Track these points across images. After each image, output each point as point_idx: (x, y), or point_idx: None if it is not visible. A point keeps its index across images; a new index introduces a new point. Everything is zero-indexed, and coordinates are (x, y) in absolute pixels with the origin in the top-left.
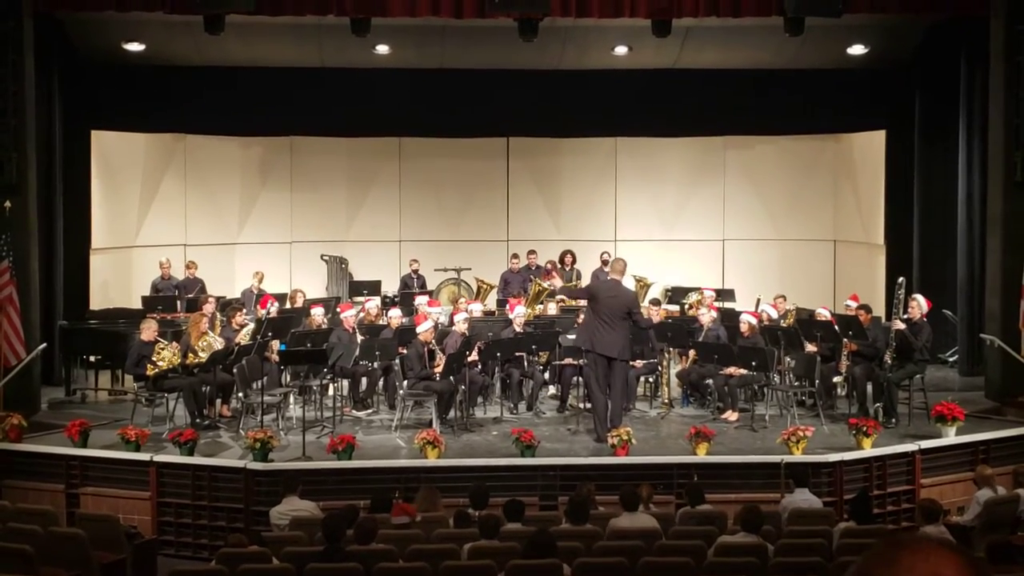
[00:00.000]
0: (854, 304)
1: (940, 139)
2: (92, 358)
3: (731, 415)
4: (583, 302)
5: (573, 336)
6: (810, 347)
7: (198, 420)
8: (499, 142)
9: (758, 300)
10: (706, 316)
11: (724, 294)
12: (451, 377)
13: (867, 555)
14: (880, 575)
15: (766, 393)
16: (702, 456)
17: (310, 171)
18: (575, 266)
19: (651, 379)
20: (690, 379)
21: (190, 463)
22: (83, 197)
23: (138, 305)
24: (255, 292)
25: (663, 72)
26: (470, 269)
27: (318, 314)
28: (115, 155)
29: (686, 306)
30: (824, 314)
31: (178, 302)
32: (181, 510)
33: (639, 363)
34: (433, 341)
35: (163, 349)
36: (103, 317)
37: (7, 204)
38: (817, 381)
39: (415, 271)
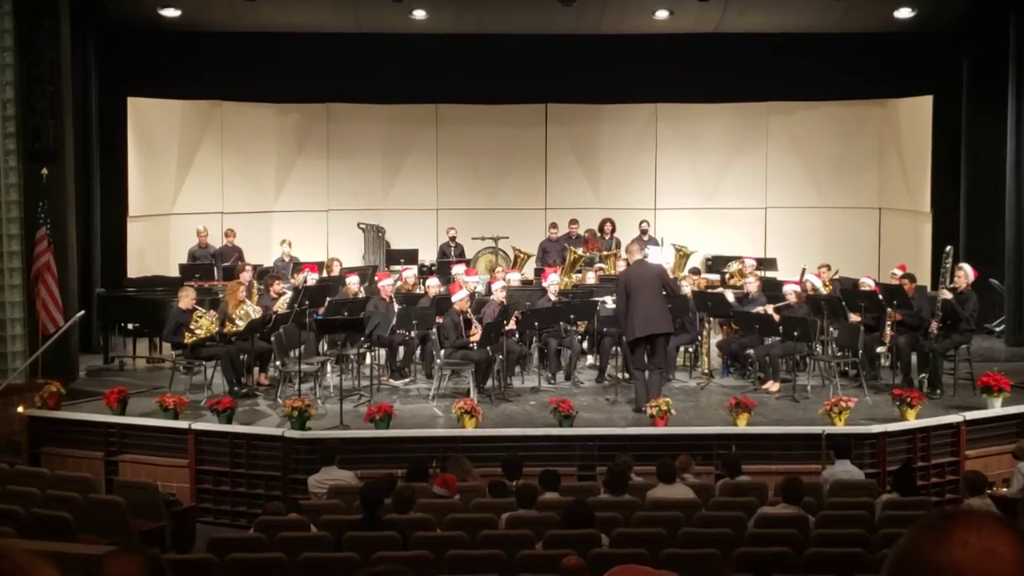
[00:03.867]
0: (900, 273)
1: (988, 105)
2: (130, 326)
3: (772, 385)
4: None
5: (612, 305)
6: (854, 317)
7: (236, 388)
8: (537, 108)
9: (803, 270)
10: (754, 284)
11: (766, 263)
12: (488, 346)
13: (916, 528)
14: (931, 550)
15: (808, 363)
16: (742, 427)
17: (346, 138)
18: (614, 235)
19: (691, 349)
20: (730, 349)
21: (228, 431)
22: (120, 165)
23: (175, 273)
24: (287, 260)
25: (705, 36)
26: (507, 237)
27: (354, 283)
28: (152, 122)
29: (726, 275)
30: (868, 283)
31: (215, 270)
32: (219, 478)
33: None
34: (469, 310)
35: (201, 317)
36: (140, 285)
37: (44, 171)
38: (860, 351)
39: (452, 239)
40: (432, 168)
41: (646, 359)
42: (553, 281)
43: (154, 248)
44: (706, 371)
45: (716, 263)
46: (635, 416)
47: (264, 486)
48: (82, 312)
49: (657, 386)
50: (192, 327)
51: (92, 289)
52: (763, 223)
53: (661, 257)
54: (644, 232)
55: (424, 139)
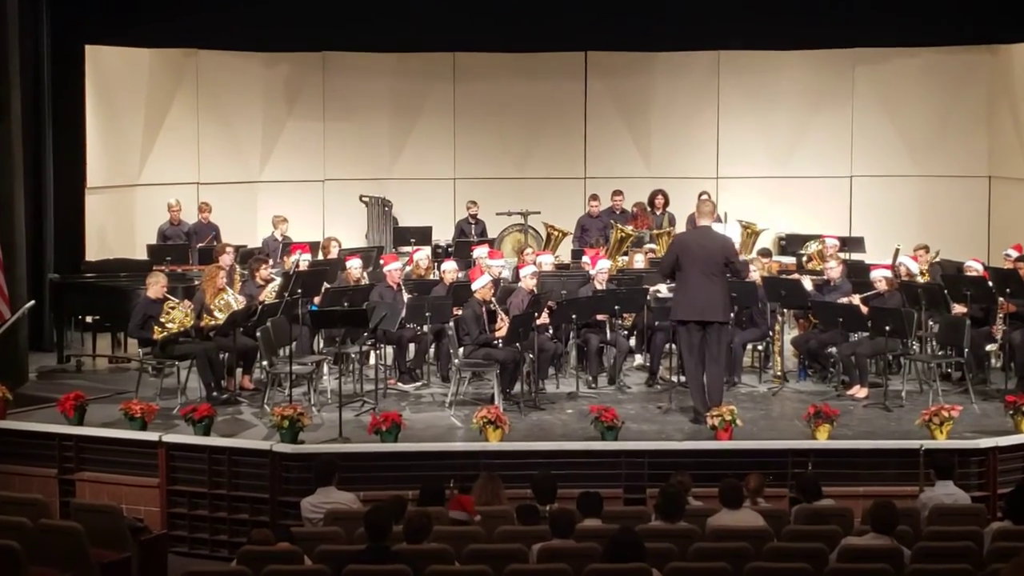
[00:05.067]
0: (1014, 255)
1: None
2: (89, 319)
3: (859, 391)
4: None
5: (665, 293)
6: (958, 308)
7: (215, 393)
8: (575, 57)
9: (896, 251)
10: (835, 270)
11: (851, 243)
12: (516, 344)
13: (1016, 563)
14: None
15: (903, 364)
16: (823, 441)
17: (346, 94)
18: (667, 209)
19: (761, 347)
20: (808, 347)
21: (206, 444)
22: (77, 126)
23: (143, 255)
24: (279, 241)
25: None
26: (539, 213)
27: (355, 267)
28: (114, 75)
29: (803, 258)
30: (975, 268)
31: (190, 252)
32: (195, 500)
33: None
34: (494, 300)
35: (173, 308)
36: (101, 270)
37: None
38: (966, 349)
39: (473, 215)
40: (449, 130)
41: (704, 355)
42: (602, 267)
43: (117, 226)
44: (779, 373)
45: (791, 243)
46: (693, 427)
47: (249, 510)
48: (32, 303)
49: (719, 390)
50: (163, 320)
51: (43, 275)
52: (847, 195)
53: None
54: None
55: (439, 95)
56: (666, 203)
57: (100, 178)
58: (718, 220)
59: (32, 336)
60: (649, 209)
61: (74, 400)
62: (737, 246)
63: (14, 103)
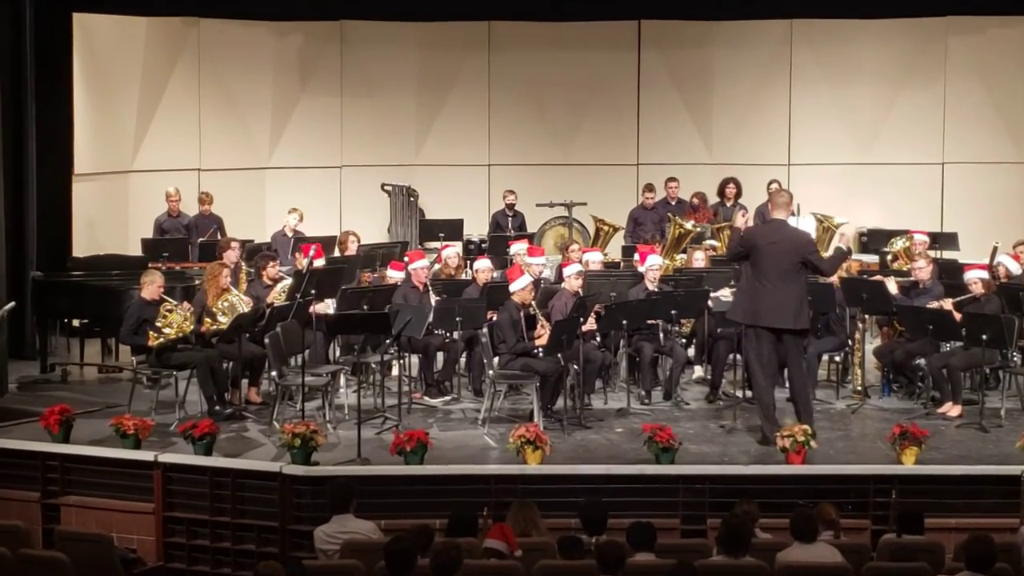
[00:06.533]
0: None
1: None
2: (76, 322)
3: (951, 408)
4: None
5: (729, 297)
6: None
7: (217, 407)
8: (627, 27)
9: (994, 249)
10: (925, 270)
11: (943, 240)
12: (559, 353)
13: None
14: None
15: (1002, 378)
16: (909, 466)
17: (367, 69)
18: (739, 200)
19: (838, 358)
20: (893, 358)
21: (207, 465)
22: (63, 105)
23: (137, 251)
24: (290, 235)
25: None
26: (585, 204)
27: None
28: (105, 47)
29: (888, 256)
30: None
31: (190, 247)
32: (195, 528)
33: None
34: (534, 303)
35: (170, 311)
36: (90, 267)
37: None
38: None
39: (510, 207)
40: (483, 109)
41: (778, 368)
42: (653, 264)
43: (108, 217)
44: (859, 388)
45: (873, 239)
46: (761, 449)
47: (255, 540)
48: (11, 304)
49: (807, 403)
50: (159, 324)
51: (25, 272)
52: (939, 184)
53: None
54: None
55: (471, 70)
56: (738, 193)
57: (89, 164)
58: (792, 214)
59: (12, 342)
60: (720, 200)
61: (59, 414)
62: None
63: None
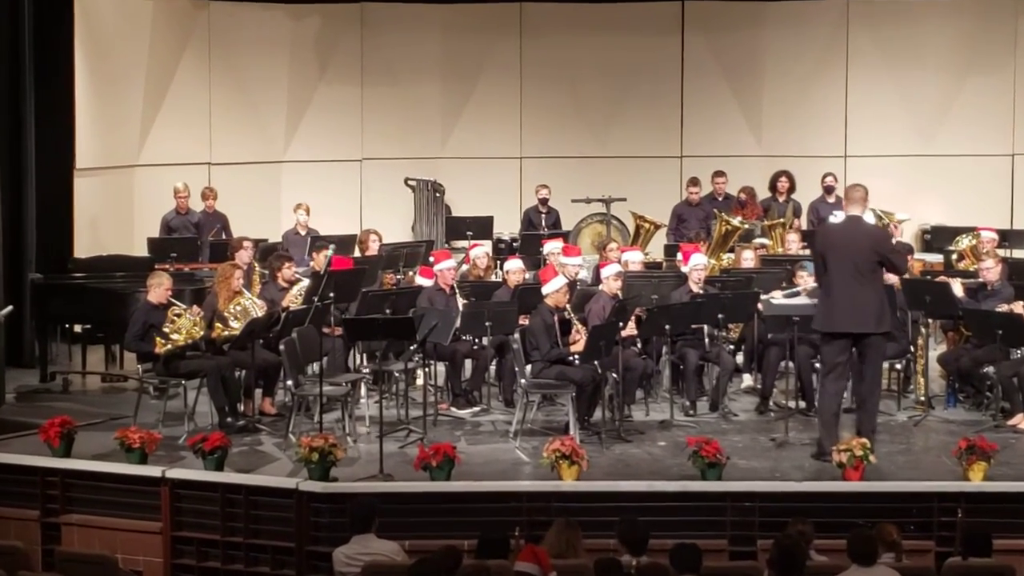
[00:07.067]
0: None
1: None
2: (78, 328)
3: (1022, 421)
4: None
5: (781, 300)
6: None
7: (229, 419)
8: (669, 8)
9: None
10: (993, 270)
11: (1013, 237)
12: (596, 361)
13: None
14: None
15: None
16: (977, 483)
17: (389, 54)
18: (792, 196)
19: (899, 365)
20: (959, 366)
21: (218, 481)
22: (64, 94)
23: (143, 251)
24: (302, 233)
25: None
26: (624, 200)
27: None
28: (110, 31)
29: (953, 256)
30: None
31: (200, 247)
32: (205, 549)
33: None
34: (569, 307)
35: (179, 316)
36: (93, 268)
37: None
38: None
39: (543, 202)
40: (514, 98)
41: (850, 373)
42: (697, 263)
43: (112, 215)
44: (922, 398)
45: (937, 237)
46: (815, 465)
47: (270, 562)
48: (9, 308)
49: (872, 417)
50: (167, 330)
51: (24, 274)
52: (1008, 178)
53: None
54: (829, 191)
55: (502, 55)
56: (791, 188)
57: (91, 158)
58: (867, 210)
59: (10, 349)
60: (770, 195)
61: (60, 427)
62: None
63: None
